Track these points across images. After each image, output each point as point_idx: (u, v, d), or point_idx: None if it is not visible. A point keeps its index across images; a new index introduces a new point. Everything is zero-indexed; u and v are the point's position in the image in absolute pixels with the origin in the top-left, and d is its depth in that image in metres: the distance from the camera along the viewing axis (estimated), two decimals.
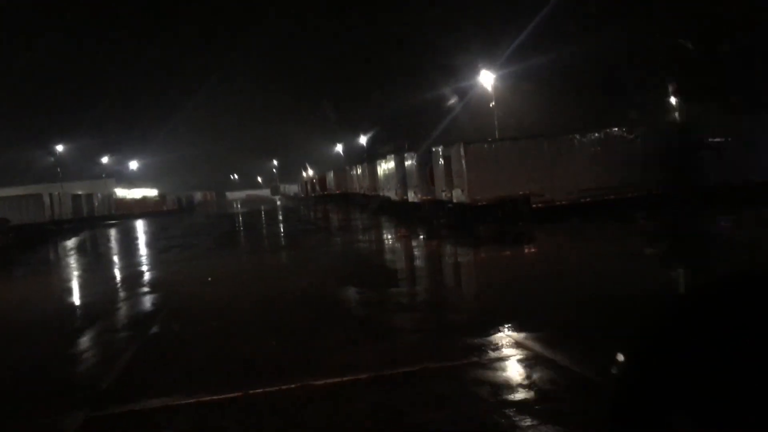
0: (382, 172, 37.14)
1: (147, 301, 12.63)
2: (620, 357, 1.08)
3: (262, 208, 64.08)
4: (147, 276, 16.91)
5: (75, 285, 16.52)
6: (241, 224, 41.04)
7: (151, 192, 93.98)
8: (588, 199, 22.67)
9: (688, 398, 0.99)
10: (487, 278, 12.40)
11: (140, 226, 45.79)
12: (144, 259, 21.58)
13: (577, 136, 22.95)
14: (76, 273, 19.20)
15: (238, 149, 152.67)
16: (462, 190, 22.75)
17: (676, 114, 48.28)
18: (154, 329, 9.71)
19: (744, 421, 0.94)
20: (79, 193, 56.30)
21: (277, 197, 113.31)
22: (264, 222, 41.51)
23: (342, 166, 66.12)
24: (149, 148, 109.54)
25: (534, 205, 22.65)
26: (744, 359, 0.96)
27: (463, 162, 22.51)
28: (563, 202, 22.74)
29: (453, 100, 53.63)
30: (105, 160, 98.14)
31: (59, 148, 79.99)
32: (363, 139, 79.83)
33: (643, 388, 1.04)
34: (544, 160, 22.69)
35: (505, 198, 22.56)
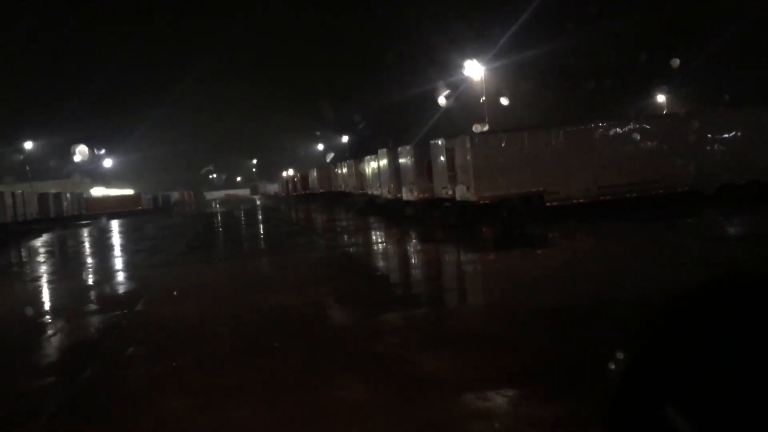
0: (370, 169, 34.59)
1: (90, 326, 9.87)
2: (619, 355, 1.02)
3: (242, 207, 61.10)
4: (101, 288, 14.13)
5: (5, 301, 13.57)
6: (218, 225, 38.14)
7: (128, 191, 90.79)
8: (608, 197, 20.26)
9: (686, 396, 0.96)
10: (530, 297, 9.56)
11: (110, 227, 42.67)
12: (103, 267, 18.71)
13: (597, 127, 20.51)
14: (14, 284, 16.31)
15: (217, 148, 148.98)
16: (467, 187, 20.20)
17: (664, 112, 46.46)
18: (87, 373, 7.00)
19: (742, 419, 0.91)
20: (46, 192, 53.09)
21: (257, 197, 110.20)
22: (243, 222, 38.66)
23: (324, 164, 63.43)
24: (125, 146, 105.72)
25: (548, 203, 20.19)
26: (743, 358, 0.93)
27: (469, 155, 19.96)
28: (580, 200, 20.30)
29: (444, 95, 51.24)
30: (78, 158, 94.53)
31: (28, 145, 76.33)
32: (345, 138, 77.26)
33: (641, 385, 1.00)
34: (559, 153, 20.22)
35: (516, 195, 20.08)
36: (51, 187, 61.39)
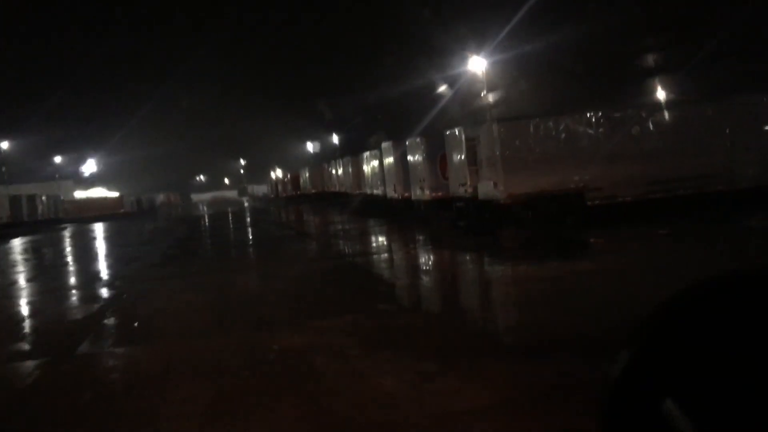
0: (370, 167, 31.48)
1: None
2: (619, 355, 1.01)
3: (229, 210, 57.87)
4: (45, 314, 10.92)
5: None
6: (202, 230, 34.89)
7: (111, 194, 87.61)
8: (658, 195, 17.24)
9: (684, 392, 0.95)
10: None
11: (85, 232, 39.40)
12: (60, 282, 15.40)
13: (649, 111, 17.51)
14: None
15: (203, 148, 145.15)
16: (495, 184, 17.08)
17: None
18: None
19: (739, 414, 0.91)
20: (18, 194, 49.75)
21: (244, 198, 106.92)
22: (230, 226, 35.43)
23: (316, 162, 60.17)
24: (110, 146, 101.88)
25: (588, 202, 17.14)
26: (740, 355, 0.93)
27: (497, 145, 16.86)
28: (626, 199, 17.25)
29: (442, 89, 48.37)
30: (59, 159, 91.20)
31: (4, 145, 72.69)
32: (336, 138, 74.07)
33: (639, 382, 0.99)
34: (603, 143, 17.19)
35: (551, 193, 16.99)
36: (32, 190, 58.01)
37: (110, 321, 9.64)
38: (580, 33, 41.63)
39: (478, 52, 38.59)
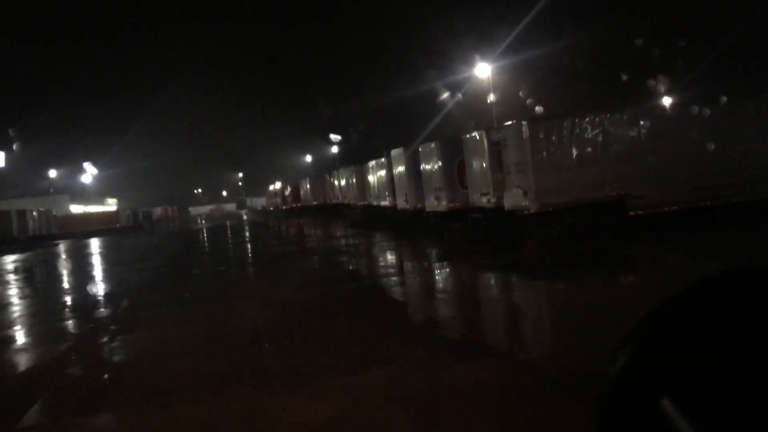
0: (376, 177, 29.61)
1: None
2: (619, 354, 0.99)
3: (228, 223, 55.96)
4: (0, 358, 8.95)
5: None
6: (200, 246, 32.92)
7: (108, 208, 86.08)
8: (708, 202, 15.39)
9: (683, 390, 0.94)
10: None
11: (76, 249, 37.45)
12: (28, 313, 13.36)
13: (697, 109, 15.63)
14: None
15: (201, 162, 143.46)
16: (525, 192, 15.18)
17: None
18: None
19: (738, 412, 0.90)
20: (7, 209, 47.97)
21: (243, 211, 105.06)
22: (229, 242, 33.48)
23: (315, 175, 58.24)
24: (107, 160, 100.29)
25: (631, 212, 15.27)
26: (740, 354, 0.92)
27: (528, 148, 14.97)
28: (674, 207, 15.39)
29: (445, 96, 46.66)
30: (54, 173, 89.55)
31: None
32: (335, 148, 72.31)
33: (637, 380, 0.96)
34: (644, 145, 15.35)
35: (588, 202, 15.12)
36: (26, 205, 56.28)
37: (76, 370, 7.69)
38: (602, 35, 40.23)
39: (483, 58, 37.28)
